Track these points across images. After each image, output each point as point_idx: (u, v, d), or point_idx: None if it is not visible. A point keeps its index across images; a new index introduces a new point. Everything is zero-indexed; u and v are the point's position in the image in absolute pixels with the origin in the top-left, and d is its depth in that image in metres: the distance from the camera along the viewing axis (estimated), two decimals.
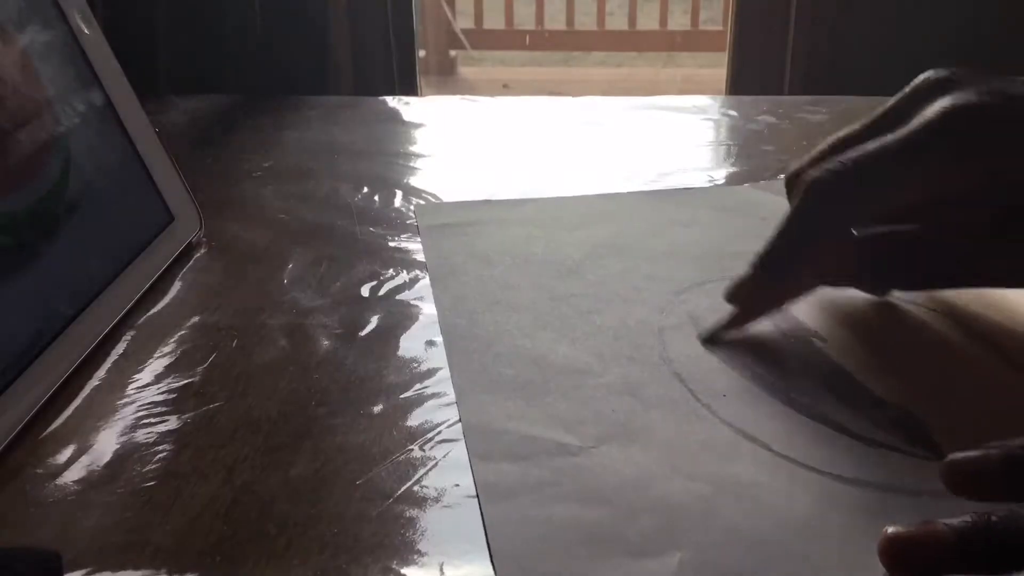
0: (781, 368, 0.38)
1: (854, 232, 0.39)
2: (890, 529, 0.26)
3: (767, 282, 0.39)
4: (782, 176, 0.59)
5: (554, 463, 0.33)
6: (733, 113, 0.74)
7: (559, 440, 0.34)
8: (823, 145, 0.40)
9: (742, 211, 0.54)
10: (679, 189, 0.58)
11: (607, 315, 0.42)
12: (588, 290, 0.45)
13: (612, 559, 0.28)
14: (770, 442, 0.34)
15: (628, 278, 0.46)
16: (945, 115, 0.36)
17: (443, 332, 0.41)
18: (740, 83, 1.07)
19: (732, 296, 0.40)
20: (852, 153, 0.37)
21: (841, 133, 0.40)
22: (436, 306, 0.44)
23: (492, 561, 0.29)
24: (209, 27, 0.95)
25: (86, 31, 0.46)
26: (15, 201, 0.38)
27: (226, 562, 0.29)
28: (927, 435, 0.34)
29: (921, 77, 0.39)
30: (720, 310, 0.41)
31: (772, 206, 0.54)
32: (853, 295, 0.43)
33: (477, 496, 0.31)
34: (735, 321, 0.40)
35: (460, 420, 0.35)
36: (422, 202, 0.56)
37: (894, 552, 0.25)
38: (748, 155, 0.64)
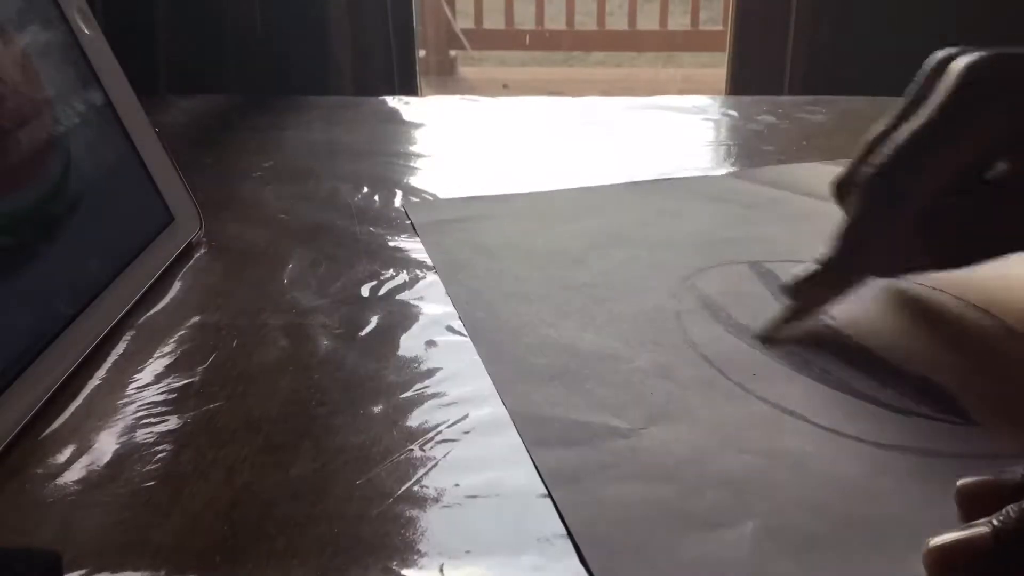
0: (803, 346, 0.39)
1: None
2: (932, 540, 0.26)
3: (833, 281, 0.40)
4: (771, 166, 0.59)
5: (608, 446, 0.33)
6: (733, 113, 0.74)
7: (608, 424, 0.35)
8: (861, 148, 0.41)
9: (725, 199, 0.56)
10: (661, 180, 0.59)
11: (622, 303, 0.43)
12: (597, 279, 0.46)
13: (690, 532, 0.29)
14: (809, 415, 0.35)
15: (633, 267, 0.47)
16: (960, 77, 0.37)
17: (467, 326, 0.42)
18: (740, 83, 1.07)
19: (795, 292, 0.40)
20: (888, 146, 0.38)
21: (874, 131, 0.41)
22: (453, 301, 0.44)
23: (575, 543, 0.29)
24: (209, 27, 0.95)
25: (86, 31, 0.46)
26: (15, 201, 0.38)
27: (226, 562, 0.29)
28: (953, 402, 0.35)
29: (930, 59, 0.40)
30: (728, 293, 0.43)
31: (753, 194, 0.56)
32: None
33: (543, 481, 0.32)
34: (791, 316, 0.40)
35: (507, 410, 0.36)
36: (414, 199, 0.56)
37: (938, 563, 0.26)
38: (748, 155, 0.64)
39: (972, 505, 0.27)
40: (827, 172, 0.56)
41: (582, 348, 0.40)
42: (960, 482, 0.28)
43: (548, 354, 0.39)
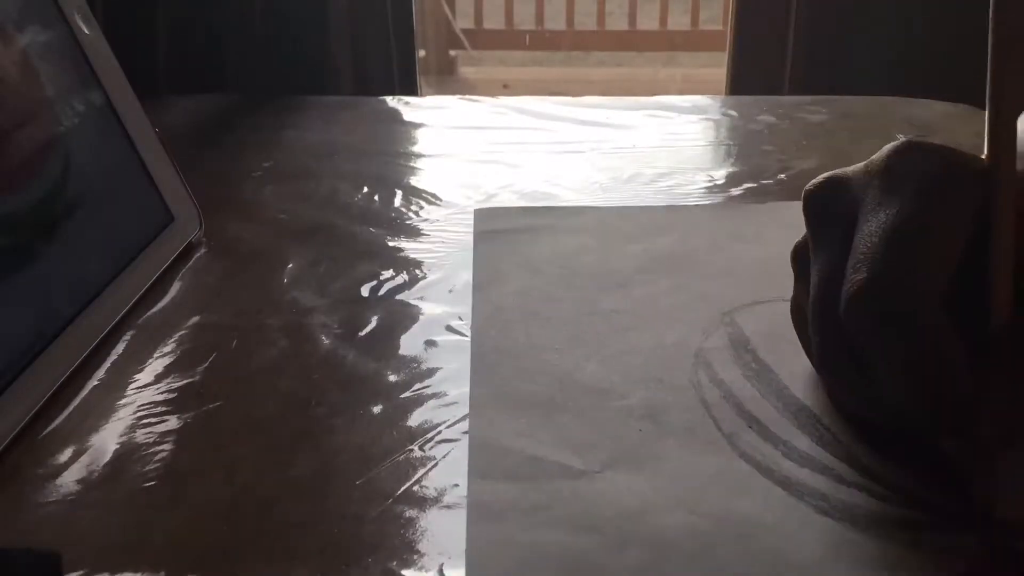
0: (822, 404, 0.35)
1: None
2: None
3: None
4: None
5: (553, 486, 0.32)
6: (733, 113, 0.74)
7: (564, 462, 0.33)
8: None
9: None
10: (747, 204, 0.55)
11: (645, 333, 0.40)
12: (631, 306, 0.43)
13: None
14: (789, 479, 0.32)
15: (676, 295, 0.43)
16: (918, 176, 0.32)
17: (473, 341, 0.40)
18: (740, 83, 1.06)
19: None
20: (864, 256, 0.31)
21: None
22: (472, 314, 0.42)
23: None
24: (209, 27, 0.95)
25: (86, 31, 0.46)
26: (15, 201, 0.38)
27: (226, 562, 0.29)
28: (965, 487, 0.30)
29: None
30: (764, 332, 0.39)
31: None
32: None
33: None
34: None
35: (469, 434, 0.34)
36: (484, 206, 0.54)
37: None
38: (748, 155, 0.64)
39: None
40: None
41: (578, 378, 0.37)
42: None
43: (539, 381, 0.37)
